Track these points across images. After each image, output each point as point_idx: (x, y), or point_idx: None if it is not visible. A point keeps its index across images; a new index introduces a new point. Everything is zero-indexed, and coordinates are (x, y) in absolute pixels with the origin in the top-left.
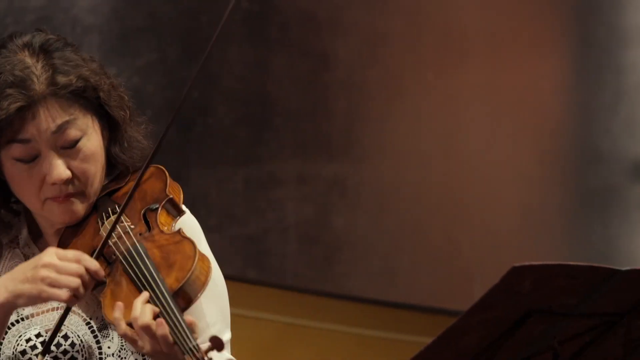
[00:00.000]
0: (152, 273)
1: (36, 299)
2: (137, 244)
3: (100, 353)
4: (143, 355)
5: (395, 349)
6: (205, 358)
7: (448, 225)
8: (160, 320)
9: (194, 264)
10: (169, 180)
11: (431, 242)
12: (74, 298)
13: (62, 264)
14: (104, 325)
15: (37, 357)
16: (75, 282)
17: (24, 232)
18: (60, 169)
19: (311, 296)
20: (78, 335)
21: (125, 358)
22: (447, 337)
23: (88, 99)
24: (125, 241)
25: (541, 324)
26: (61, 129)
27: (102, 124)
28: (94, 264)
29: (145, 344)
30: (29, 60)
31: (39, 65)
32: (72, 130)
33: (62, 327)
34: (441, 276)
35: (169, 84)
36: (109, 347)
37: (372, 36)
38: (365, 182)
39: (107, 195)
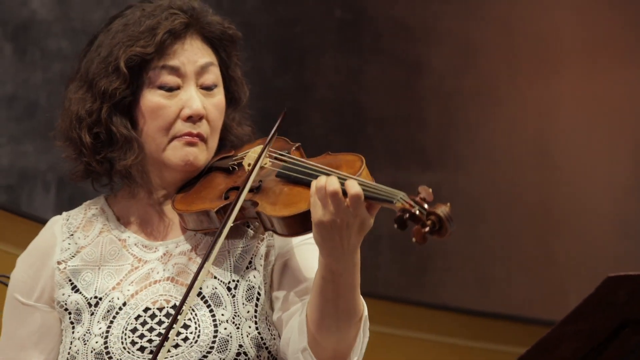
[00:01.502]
0: (322, 168)
1: None
2: (293, 158)
3: (214, 320)
4: (256, 323)
5: (488, 358)
6: (421, 203)
7: (542, 235)
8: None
9: (363, 164)
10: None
11: (525, 251)
12: None
13: None
14: (215, 294)
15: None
16: None
17: (112, 217)
18: (198, 102)
19: (404, 305)
20: (193, 309)
21: (239, 325)
22: (541, 347)
23: (226, 54)
24: (277, 163)
25: (637, 334)
26: (206, 67)
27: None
28: None
29: (325, 213)
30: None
31: (196, 4)
32: (212, 74)
33: (170, 299)
34: (535, 286)
35: (263, 93)
36: (222, 315)
37: (465, 45)
38: (459, 191)
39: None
